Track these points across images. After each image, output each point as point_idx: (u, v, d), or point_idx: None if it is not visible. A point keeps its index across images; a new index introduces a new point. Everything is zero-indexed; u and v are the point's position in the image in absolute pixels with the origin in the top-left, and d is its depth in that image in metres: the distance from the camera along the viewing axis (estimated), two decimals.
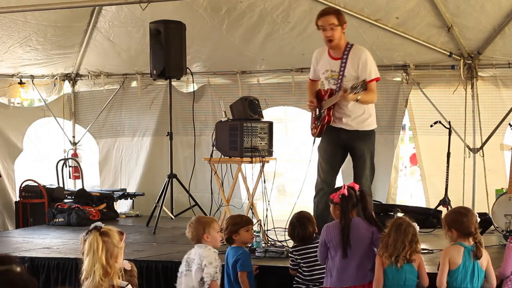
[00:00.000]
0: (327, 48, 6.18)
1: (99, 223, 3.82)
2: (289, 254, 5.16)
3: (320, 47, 6.33)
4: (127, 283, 3.79)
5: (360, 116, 6.14)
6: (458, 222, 4.46)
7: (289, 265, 5.13)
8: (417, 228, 4.52)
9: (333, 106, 6.10)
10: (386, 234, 4.48)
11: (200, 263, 4.76)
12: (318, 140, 6.43)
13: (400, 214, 7.61)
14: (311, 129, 6.42)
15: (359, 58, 6.05)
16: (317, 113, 6.26)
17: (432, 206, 8.01)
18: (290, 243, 6.14)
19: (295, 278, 5.06)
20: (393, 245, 4.41)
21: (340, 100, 5.95)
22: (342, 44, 6.11)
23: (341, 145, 6.23)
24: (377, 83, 6.14)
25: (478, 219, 4.56)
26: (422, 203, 8.77)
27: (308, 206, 6.35)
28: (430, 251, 5.96)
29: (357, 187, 4.71)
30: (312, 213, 5.79)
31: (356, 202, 4.65)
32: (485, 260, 4.49)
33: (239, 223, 5.19)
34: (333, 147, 6.23)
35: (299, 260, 5.03)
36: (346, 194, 4.63)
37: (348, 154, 6.29)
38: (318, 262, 4.87)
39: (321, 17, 6.08)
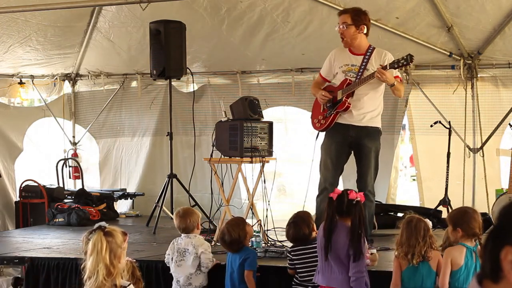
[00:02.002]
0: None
1: (103, 223, 3.84)
2: (287, 254, 5.17)
3: (337, 47, 6.42)
4: (129, 283, 3.80)
5: (371, 111, 6.18)
6: (465, 222, 4.41)
7: (287, 265, 5.14)
8: (430, 223, 4.48)
9: (352, 94, 6.12)
10: (399, 234, 4.46)
11: (196, 252, 5.17)
12: (321, 135, 6.43)
13: (400, 214, 7.62)
14: (316, 122, 6.38)
15: (385, 55, 6.18)
16: (328, 104, 6.25)
17: None
18: (290, 243, 6.16)
19: (294, 278, 5.07)
20: (406, 243, 4.38)
21: (377, 77, 5.89)
22: (363, 45, 6.23)
23: (347, 143, 6.22)
24: None
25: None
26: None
27: (308, 206, 6.36)
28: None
29: (355, 195, 4.49)
30: (313, 212, 5.80)
31: (347, 211, 4.48)
32: None
33: (241, 223, 5.21)
34: (338, 146, 6.22)
35: (295, 261, 5.03)
36: (334, 198, 4.51)
37: (352, 152, 6.30)
38: (314, 263, 4.88)
39: (338, 15, 6.27)
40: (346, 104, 6.11)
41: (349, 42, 6.18)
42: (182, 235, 5.28)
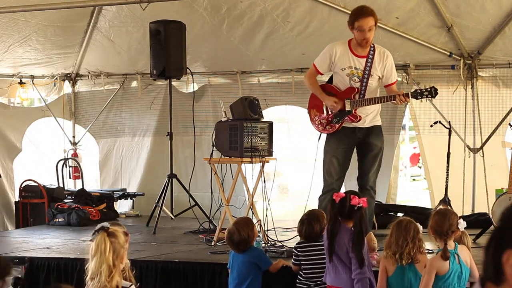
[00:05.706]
0: (348, 43, 6.12)
1: (106, 224, 3.82)
2: (293, 250, 5.17)
3: (337, 41, 6.24)
4: (130, 283, 3.79)
5: (372, 111, 6.21)
6: (435, 223, 4.40)
7: (292, 261, 5.14)
8: (420, 228, 4.46)
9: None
10: (388, 235, 4.42)
11: None
12: (323, 135, 6.38)
13: (400, 214, 7.62)
14: (319, 125, 6.29)
15: (387, 59, 6.13)
16: (333, 111, 6.16)
17: (437, 201, 7.98)
18: (290, 243, 6.16)
19: (298, 276, 5.07)
20: (395, 243, 4.34)
21: (399, 103, 6.03)
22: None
23: (353, 144, 6.22)
24: None
25: (461, 222, 4.42)
26: (425, 200, 8.73)
27: (311, 206, 6.35)
28: (430, 251, 5.95)
29: (357, 201, 4.51)
30: None
31: (348, 214, 4.53)
32: (468, 257, 4.44)
33: (250, 223, 5.23)
34: (345, 149, 6.22)
35: (301, 257, 5.04)
36: (336, 201, 4.55)
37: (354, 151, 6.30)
38: (320, 261, 4.88)
39: (361, 18, 5.93)
40: (358, 117, 6.11)
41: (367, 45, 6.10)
42: None
